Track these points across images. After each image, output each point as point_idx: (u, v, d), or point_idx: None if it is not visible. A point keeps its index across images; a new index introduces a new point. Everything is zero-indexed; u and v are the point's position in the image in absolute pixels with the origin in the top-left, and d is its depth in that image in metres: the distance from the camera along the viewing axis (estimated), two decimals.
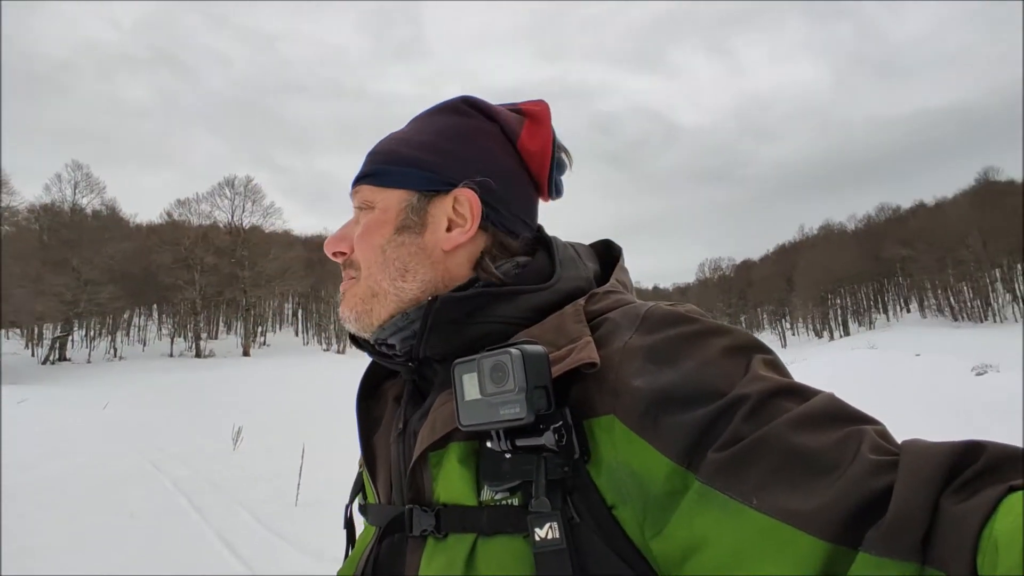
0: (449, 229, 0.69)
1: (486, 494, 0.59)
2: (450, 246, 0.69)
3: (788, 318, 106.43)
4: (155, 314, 66.04)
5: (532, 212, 0.76)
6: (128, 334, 64.44)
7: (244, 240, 57.48)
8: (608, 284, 0.71)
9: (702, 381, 0.53)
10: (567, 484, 0.55)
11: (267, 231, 61.50)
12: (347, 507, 0.78)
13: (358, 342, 0.73)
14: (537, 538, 0.53)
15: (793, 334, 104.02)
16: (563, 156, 0.77)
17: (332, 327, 68.86)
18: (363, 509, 0.74)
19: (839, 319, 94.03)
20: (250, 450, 10.40)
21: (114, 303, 49.81)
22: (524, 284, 0.68)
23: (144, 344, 59.32)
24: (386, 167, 0.71)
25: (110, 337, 57.91)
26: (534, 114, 0.74)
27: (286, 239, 65.68)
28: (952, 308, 76.70)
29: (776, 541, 0.45)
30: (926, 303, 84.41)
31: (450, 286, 0.69)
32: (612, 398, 0.55)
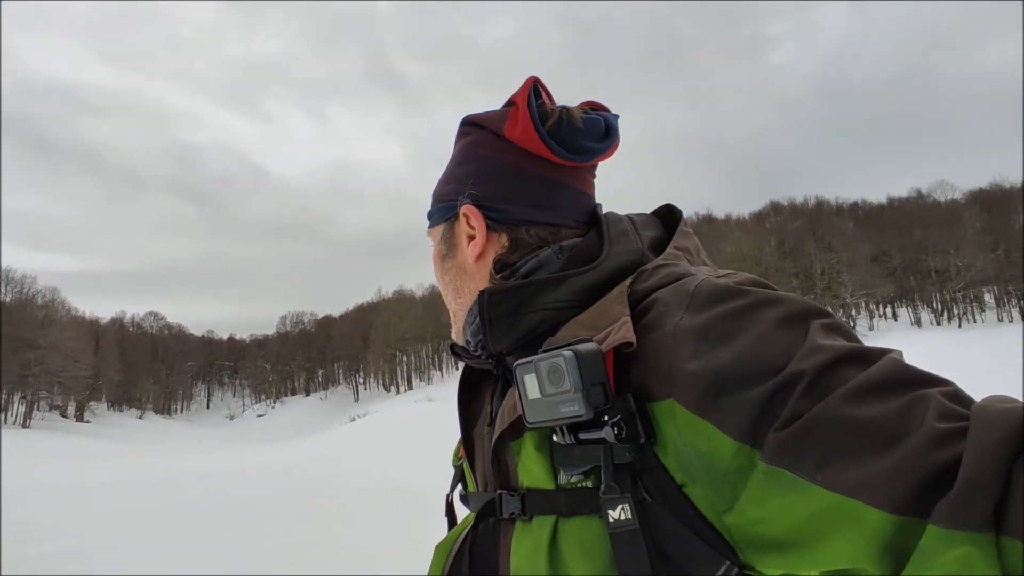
0: (470, 244, 0.77)
1: (562, 477, 0.62)
2: (473, 258, 0.76)
3: (362, 373, 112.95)
4: None
5: (547, 193, 0.75)
6: None
7: None
8: (663, 255, 0.71)
9: (758, 358, 0.53)
10: (636, 467, 0.57)
11: None
12: (447, 496, 0.85)
13: (456, 352, 0.83)
14: (611, 519, 0.55)
15: (365, 388, 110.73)
16: (562, 116, 0.74)
17: None
18: (464, 498, 0.81)
19: (405, 375, 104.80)
20: None
21: None
22: (571, 267, 0.71)
23: None
24: (431, 210, 0.84)
25: None
26: (514, 99, 0.75)
27: None
28: None
29: (844, 516, 0.45)
30: None
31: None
32: (668, 383, 0.56)
